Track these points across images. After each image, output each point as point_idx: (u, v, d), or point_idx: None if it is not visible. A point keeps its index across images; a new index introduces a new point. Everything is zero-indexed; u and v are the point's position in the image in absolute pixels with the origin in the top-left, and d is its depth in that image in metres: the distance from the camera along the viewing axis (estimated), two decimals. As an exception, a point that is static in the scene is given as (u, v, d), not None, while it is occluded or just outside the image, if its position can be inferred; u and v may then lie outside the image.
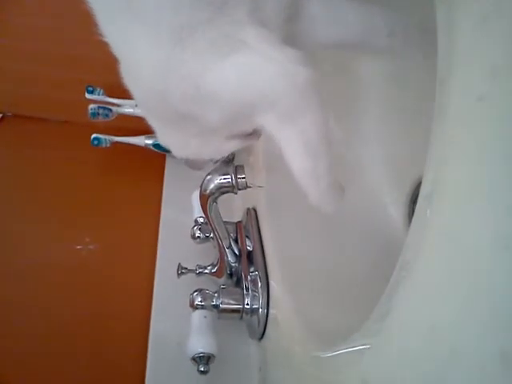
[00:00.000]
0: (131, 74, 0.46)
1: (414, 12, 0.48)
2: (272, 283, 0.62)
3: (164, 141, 0.52)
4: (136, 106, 0.91)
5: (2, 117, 1.04)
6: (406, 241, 0.31)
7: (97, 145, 0.92)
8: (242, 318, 0.63)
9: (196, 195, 0.74)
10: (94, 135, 0.92)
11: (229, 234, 0.69)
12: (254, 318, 0.62)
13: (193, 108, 0.42)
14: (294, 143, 0.40)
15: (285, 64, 0.38)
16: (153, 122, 0.50)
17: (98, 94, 0.93)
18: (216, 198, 0.63)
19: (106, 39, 0.43)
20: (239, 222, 0.76)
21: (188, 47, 0.39)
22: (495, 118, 0.25)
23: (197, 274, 0.71)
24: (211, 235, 0.71)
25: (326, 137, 0.41)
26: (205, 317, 0.62)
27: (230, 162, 0.96)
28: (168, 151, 0.85)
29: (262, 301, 0.61)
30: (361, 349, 0.35)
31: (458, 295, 0.26)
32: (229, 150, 0.51)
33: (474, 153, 0.26)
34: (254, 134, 0.50)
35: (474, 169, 0.26)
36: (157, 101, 0.44)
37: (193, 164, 0.56)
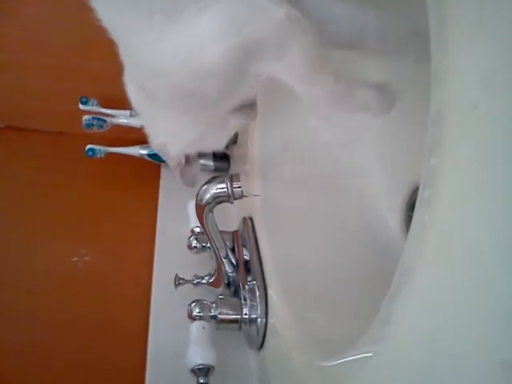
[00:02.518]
0: (134, 60, 0.48)
1: (406, 15, 0.48)
2: (270, 292, 0.61)
3: (164, 132, 0.52)
4: (130, 115, 0.91)
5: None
6: (404, 247, 0.31)
7: (91, 155, 0.92)
8: (240, 328, 0.62)
9: (192, 205, 0.74)
10: (88, 146, 0.92)
11: (225, 244, 0.69)
12: (253, 327, 0.62)
13: (194, 83, 0.44)
14: (291, 75, 0.45)
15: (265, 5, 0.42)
16: (153, 114, 0.51)
17: (92, 105, 0.92)
18: (212, 207, 0.62)
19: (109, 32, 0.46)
20: (236, 231, 0.76)
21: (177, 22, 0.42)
22: (490, 124, 0.25)
23: (194, 284, 0.70)
24: (208, 245, 0.70)
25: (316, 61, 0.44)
26: (203, 328, 0.61)
27: (225, 171, 0.97)
28: (163, 161, 0.85)
29: (260, 310, 0.61)
30: (363, 357, 0.34)
31: (458, 301, 0.26)
32: (232, 128, 0.53)
33: (471, 158, 0.26)
34: (254, 107, 0.53)
35: (471, 174, 0.26)
36: (160, 83, 0.46)
37: (187, 177, 0.56)
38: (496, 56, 0.25)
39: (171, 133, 0.53)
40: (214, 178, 0.62)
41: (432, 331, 0.27)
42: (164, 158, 0.56)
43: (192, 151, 0.56)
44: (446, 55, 0.28)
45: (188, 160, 0.56)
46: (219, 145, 0.55)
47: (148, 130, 0.55)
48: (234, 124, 0.53)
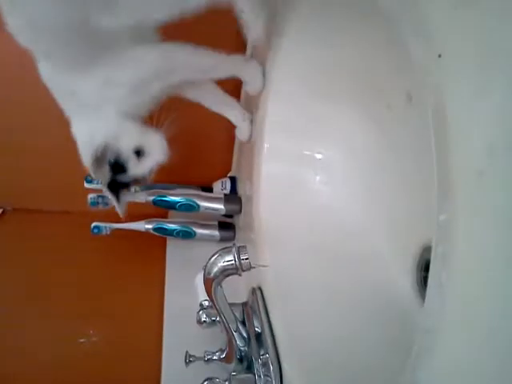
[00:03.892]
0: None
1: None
2: (284, 366, 0.59)
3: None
4: (135, 191, 0.93)
5: (3, 211, 1.05)
6: (423, 308, 0.30)
7: (97, 233, 0.92)
8: (255, 405, 0.59)
9: (200, 278, 0.73)
10: (93, 224, 0.93)
11: (236, 317, 0.67)
12: (269, 404, 0.59)
13: None
14: None
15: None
16: None
17: (97, 183, 0.94)
18: (220, 281, 0.61)
19: None
20: (245, 302, 0.74)
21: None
22: (497, 190, 0.25)
23: (205, 361, 0.68)
24: (217, 319, 0.68)
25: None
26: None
27: (231, 241, 0.97)
28: (169, 234, 0.86)
29: (275, 385, 0.58)
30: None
31: (483, 369, 0.25)
32: None
33: (482, 219, 0.26)
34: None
35: (483, 227, 0.26)
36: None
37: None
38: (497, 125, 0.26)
39: None
40: (220, 250, 0.62)
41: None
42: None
43: None
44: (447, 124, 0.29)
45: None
46: None
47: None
48: None
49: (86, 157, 0.74)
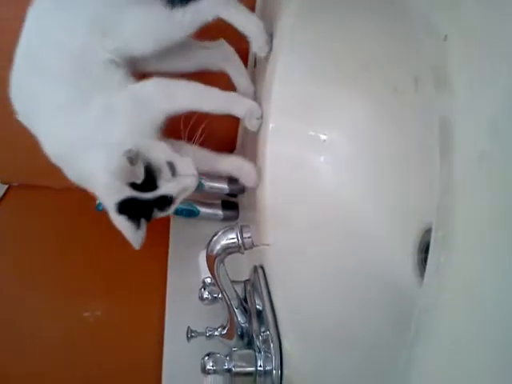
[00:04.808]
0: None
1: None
2: (284, 342, 0.60)
3: None
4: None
5: (9, 187, 1.05)
6: (421, 289, 0.31)
7: (102, 210, 0.93)
8: (255, 381, 0.60)
9: (202, 256, 0.74)
10: (98, 200, 0.93)
11: (237, 294, 0.68)
12: (268, 380, 0.60)
13: None
14: None
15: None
16: None
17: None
18: (223, 258, 0.62)
19: None
20: (247, 280, 0.75)
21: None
22: (499, 172, 0.25)
23: (207, 336, 0.69)
24: (219, 296, 0.69)
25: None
26: (217, 382, 0.59)
27: (234, 220, 0.97)
28: (173, 213, 0.86)
29: (275, 362, 0.59)
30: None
31: (480, 346, 0.25)
32: None
33: (483, 203, 0.26)
34: None
35: (484, 211, 0.26)
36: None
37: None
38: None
39: None
40: (223, 228, 0.62)
41: (456, 375, 0.27)
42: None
43: None
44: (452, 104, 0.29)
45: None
46: None
47: None
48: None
49: (111, 161, 0.63)
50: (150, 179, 0.66)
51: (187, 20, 0.70)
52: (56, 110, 0.70)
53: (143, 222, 0.68)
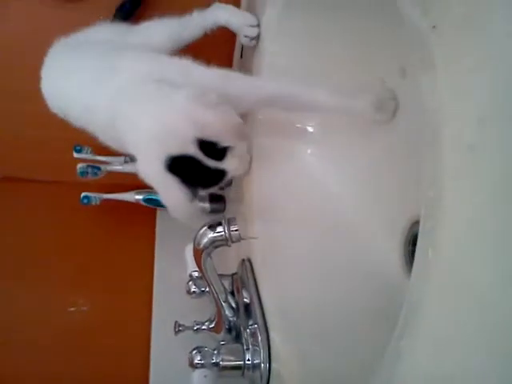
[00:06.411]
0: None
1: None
2: (272, 335, 0.60)
3: None
4: (125, 162, 0.92)
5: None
6: (409, 281, 0.30)
7: (86, 203, 0.92)
8: (243, 374, 0.60)
9: (189, 249, 0.73)
10: (83, 194, 0.92)
11: (225, 288, 0.68)
12: (257, 373, 0.60)
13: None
14: None
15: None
16: None
17: (87, 153, 0.93)
18: (210, 252, 0.62)
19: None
20: (234, 273, 0.75)
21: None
22: (487, 163, 0.25)
23: (194, 330, 0.68)
24: (207, 289, 0.69)
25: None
26: (205, 376, 0.59)
27: (221, 212, 0.97)
28: (159, 205, 0.85)
29: (263, 355, 0.59)
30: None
31: (466, 338, 0.25)
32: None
33: (471, 195, 0.26)
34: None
35: (471, 204, 0.26)
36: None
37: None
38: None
39: None
40: (210, 221, 0.62)
41: (442, 373, 0.27)
42: None
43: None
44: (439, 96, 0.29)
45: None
46: None
47: None
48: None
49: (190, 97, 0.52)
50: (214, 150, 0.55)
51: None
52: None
53: (198, 193, 0.57)
